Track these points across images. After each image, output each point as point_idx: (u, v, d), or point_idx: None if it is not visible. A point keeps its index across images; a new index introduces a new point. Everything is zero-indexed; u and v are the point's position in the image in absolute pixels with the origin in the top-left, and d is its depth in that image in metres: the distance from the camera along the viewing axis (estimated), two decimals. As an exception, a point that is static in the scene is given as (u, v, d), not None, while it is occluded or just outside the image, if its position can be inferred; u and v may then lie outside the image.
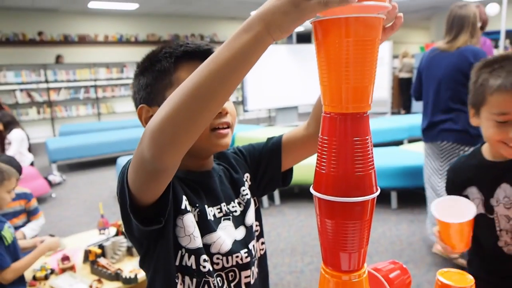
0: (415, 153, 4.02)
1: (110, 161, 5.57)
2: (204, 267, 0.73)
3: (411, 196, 3.92)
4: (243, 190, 0.85)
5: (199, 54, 0.73)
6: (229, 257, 0.76)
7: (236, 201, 0.83)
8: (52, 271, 1.95)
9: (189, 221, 0.72)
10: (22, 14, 8.19)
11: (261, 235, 0.88)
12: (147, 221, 0.65)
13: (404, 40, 13.54)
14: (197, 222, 0.74)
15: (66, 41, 8.74)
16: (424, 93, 2.71)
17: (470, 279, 0.76)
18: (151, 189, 0.63)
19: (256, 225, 0.87)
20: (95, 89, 8.86)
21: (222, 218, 0.78)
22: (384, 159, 3.81)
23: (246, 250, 0.79)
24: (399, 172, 3.62)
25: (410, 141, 5.25)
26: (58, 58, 8.47)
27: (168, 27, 9.79)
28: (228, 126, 0.76)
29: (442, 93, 2.51)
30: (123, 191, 0.64)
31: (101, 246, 2.05)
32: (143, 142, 0.56)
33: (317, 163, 0.59)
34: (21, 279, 1.81)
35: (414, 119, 6.32)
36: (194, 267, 0.72)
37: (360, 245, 0.59)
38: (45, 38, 8.51)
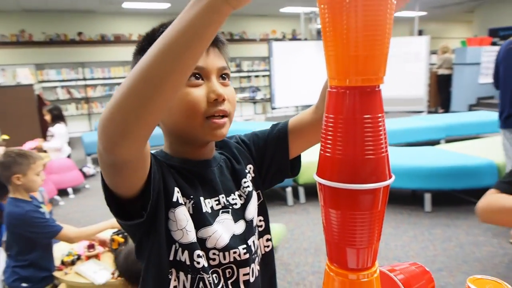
0: (452, 153, 3.80)
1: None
2: (198, 263, 0.67)
3: (447, 199, 3.70)
4: (244, 182, 0.78)
5: None
6: (226, 253, 0.70)
7: (236, 193, 0.76)
8: (79, 257, 2.03)
9: (181, 214, 0.66)
10: (63, 15, 8.53)
11: (266, 231, 0.81)
12: (128, 215, 0.61)
13: (443, 35, 12.93)
14: (192, 215, 0.68)
15: (103, 40, 9.01)
16: (502, 84, 2.83)
17: (505, 286, 0.66)
18: (119, 183, 0.58)
19: (260, 220, 0.80)
20: (129, 86, 9.10)
21: (220, 211, 0.72)
22: (418, 159, 3.63)
23: (244, 246, 0.72)
24: (434, 173, 3.42)
25: (448, 141, 4.98)
26: None
27: (200, 25, 9.88)
28: (225, 115, 0.69)
29: None
30: (103, 185, 0.60)
31: (124, 235, 2.07)
32: (98, 134, 0.51)
33: (321, 145, 0.52)
34: (51, 262, 1.92)
35: (452, 118, 6.02)
36: (188, 262, 0.67)
37: (370, 241, 0.51)
38: (83, 38, 8.82)
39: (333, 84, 0.50)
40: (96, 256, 2.04)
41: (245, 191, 0.77)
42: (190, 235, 0.67)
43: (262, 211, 0.81)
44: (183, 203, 0.67)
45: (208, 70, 0.67)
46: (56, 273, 1.89)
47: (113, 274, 1.85)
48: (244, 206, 0.76)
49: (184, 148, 0.72)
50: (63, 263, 1.96)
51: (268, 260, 0.80)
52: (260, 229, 0.80)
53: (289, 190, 3.76)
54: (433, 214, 3.42)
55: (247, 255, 0.72)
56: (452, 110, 8.57)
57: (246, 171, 0.80)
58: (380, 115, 0.49)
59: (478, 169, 3.40)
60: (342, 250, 0.52)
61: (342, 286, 0.53)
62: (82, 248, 2.08)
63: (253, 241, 0.75)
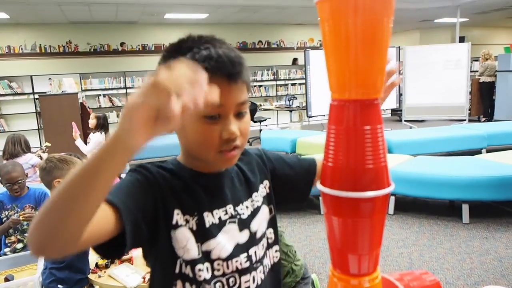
0: (493, 163, 3.64)
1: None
2: (200, 276, 0.71)
3: (486, 210, 3.55)
4: (255, 196, 0.81)
5: (222, 73, 0.65)
6: (229, 262, 0.73)
7: (245, 203, 0.79)
8: (113, 261, 2.07)
9: (181, 235, 0.70)
10: (107, 27, 9.00)
11: (275, 242, 0.84)
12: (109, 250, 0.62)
13: (486, 41, 12.37)
14: (196, 231, 0.71)
15: (144, 50, 9.40)
16: None
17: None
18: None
19: (270, 233, 0.83)
20: (167, 94, 9.41)
21: (228, 221, 0.75)
22: (456, 169, 3.50)
23: (246, 254, 0.76)
24: (473, 183, 3.29)
25: (489, 151, 4.76)
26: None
27: (236, 34, 10.06)
28: (237, 147, 0.70)
29: None
30: None
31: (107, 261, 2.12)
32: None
33: (324, 156, 0.55)
34: (86, 265, 1.98)
35: (495, 127, 5.75)
36: (191, 275, 0.71)
37: (371, 247, 0.53)
38: (126, 48, 9.24)
39: (334, 97, 0.53)
40: (129, 260, 2.08)
41: (253, 204, 0.80)
42: (191, 252, 0.70)
43: (273, 224, 0.84)
44: (183, 223, 0.70)
45: (227, 107, 0.67)
46: (90, 276, 1.95)
47: (143, 278, 1.91)
48: (251, 217, 0.79)
49: (197, 162, 0.75)
50: (97, 266, 2.01)
51: (276, 268, 0.83)
52: (270, 241, 0.83)
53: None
54: (471, 226, 3.29)
55: (248, 264, 0.75)
56: (495, 118, 8.17)
57: (261, 185, 0.83)
58: (379, 126, 0.52)
59: (519, 180, 3.23)
60: (344, 256, 0.55)
61: (345, 290, 0.55)
62: None
63: (255, 251, 0.78)
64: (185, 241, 0.70)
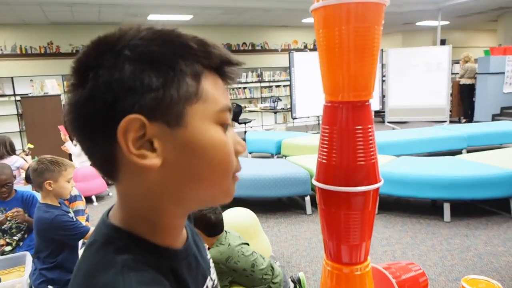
0: (473, 163, 3.76)
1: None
2: None
3: (466, 209, 3.66)
4: (213, 273, 0.63)
5: (226, 66, 0.50)
6: None
7: (212, 274, 0.62)
8: None
9: None
10: (90, 28, 8.89)
11: None
12: None
13: (466, 44, 12.74)
14: None
15: (128, 51, 9.35)
16: None
17: (498, 286, 0.70)
18: None
19: None
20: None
21: None
22: (438, 169, 3.60)
23: None
24: (454, 182, 3.40)
25: (470, 152, 4.92)
26: None
27: (220, 36, 10.08)
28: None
29: None
30: None
31: None
32: None
33: (318, 154, 0.59)
34: (75, 266, 1.96)
35: (474, 128, 5.92)
36: None
37: (362, 237, 0.57)
38: (109, 49, 9.17)
39: (328, 99, 0.57)
40: None
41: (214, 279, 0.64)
42: None
43: None
44: None
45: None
46: None
47: None
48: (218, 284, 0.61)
49: (167, 228, 0.51)
50: None
51: None
52: None
53: (307, 199, 3.79)
54: (452, 224, 3.39)
55: None
56: (475, 120, 8.41)
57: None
58: (370, 126, 0.56)
59: (498, 179, 3.36)
60: (337, 246, 0.58)
61: (338, 279, 0.59)
62: None
63: None
64: None
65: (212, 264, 0.61)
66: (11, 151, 3.45)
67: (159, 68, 0.44)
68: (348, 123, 0.52)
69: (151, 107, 0.44)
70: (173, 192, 0.47)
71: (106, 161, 0.46)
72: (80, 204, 2.63)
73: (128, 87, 0.44)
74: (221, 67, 0.50)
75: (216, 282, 0.61)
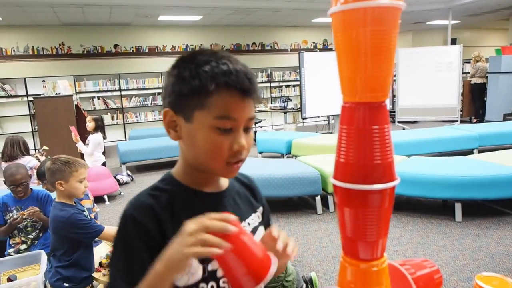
0: (484, 163, 3.74)
1: (173, 164, 5.84)
2: None
3: (478, 209, 3.64)
4: (254, 216, 0.84)
5: (239, 88, 0.68)
6: None
7: (246, 221, 0.81)
8: None
9: None
10: (100, 29, 9.00)
11: None
12: None
13: (477, 43, 12.60)
14: None
15: (138, 52, 9.42)
16: None
17: (511, 283, 0.71)
18: None
19: None
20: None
21: None
22: (449, 169, 3.59)
23: None
24: (465, 182, 3.38)
25: (481, 152, 4.88)
26: None
27: (230, 36, 10.13)
28: (242, 160, 0.74)
29: None
30: None
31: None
32: None
33: (336, 153, 0.61)
34: (91, 263, 2.02)
35: (486, 128, 5.87)
36: None
37: (378, 234, 0.59)
38: (119, 50, 9.25)
39: (346, 99, 0.58)
40: None
41: (253, 223, 0.83)
42: (196, 275, 0.71)
43: None
44: None
45: (239, 122, 0.69)
46: (95, 274, 2.00)
47: None
48: (252, 234, 0.80)
49: (197, 177, 0.76)
50: (101, 265, 2.06)
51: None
52: None
53: (318, 198, 3.80)
54: (464, 224, 3.37)
55: None
56: (486, 119, 8.33)
57: (258, 210, 0.87)
58: (386, 126, 0.58)
59: (510, 179, 3.33)
60: (354, 243, 0.60)
61: (355, 274, 0.61)
62: None
63: None
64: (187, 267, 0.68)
65: (252, 219, 0.82)
66: (25, 151, 3.51)
67: (183, 83, 0.69)
68: (365, 123, 0.54)
69: (177, 106, 0.71)
70: (190, 157, 0.74)
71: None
72: (87, 203, 2.67)
73: (168, 91, 0.72)
74: (238, 87, 0.67)
75: (249, 231, 0.78)
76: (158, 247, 0.66)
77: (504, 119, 7.99)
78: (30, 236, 2.45)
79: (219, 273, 0.73)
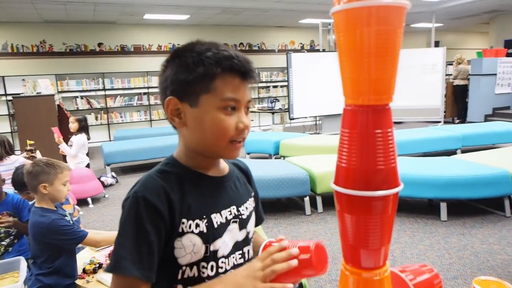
0: (469, 163, 3.80)
1: (158, 165, 5.76)
2: (203, 273, 0.76)
3: (462, 208, 3.70)
4: (250, 200, 0.89)
5: (241, 71, 0.74)
6: (229, 259, 0.79)
7: (245, 205, 0.86)
8: (100, 266, 2.03)
9: (188, 241, 0.74)
10: (84, 27, 8.82)
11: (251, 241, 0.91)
12: None
13: (459, 46, 12.86)
14: (206, 233, 0.75)
15: (123, 51, 9.27)
16: None
17: (508, 286, 0.71)
18: None
19: (251, 233, 0.90)
20: (147, 96, 9.29)
21: (232, 221, 0.81)
22: (434, 169, 3.63)
23: (240, 252, 0.82)
24: (450, 182, 3.42)
25: (464, 152, 4.96)
26: None
27: (217, 36, 10.05)
28: (244, 139, 0.79)
29: None
30: None
31: (95, 267, 2.06)
32: None
33: (338, 157, 0.58)
34: (74, 269, 1.94)
35: (469, 129, 5.98)
36: (196, 275, 0.76)
37: (381, 242, 0.57)
38: (104, 48, 9.09)
39: (348, 102, 0.56)
40: None
41: (250, 207, 0.88)
42: (199, 254, 0.75)
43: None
44: (189, 230, 0.74)
45: (241, 102, 0.76)
46: (78, 281, 1.91)
47: None
48: (248, 218, 0.86)
49: (202, 163, 0.80)
50: (84, 271, 1.98)
51: None
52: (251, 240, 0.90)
53: (307, 199, 3.80)
54: (449, 223, 3.42)
55: (242, 260, 0.82)
56: (468, 120, 8.49)
57: (253, 194, 0.92)
58: (389, 130, 0.56)
59: (493, 178, 3.39)
60: (356, 251, 0.58)
61: (357, 284, 0.59)
62: (103, 256, 2.10)
63: (248, 250, 0.85)
64: (191, 246, 0.74)
65: (249, 203, 0.87)
66: (10, 151, 3.38)
67: (188, 71, 0.73)
68: (368, 127, 0.52)
69: (182, 93, 0.75)
70: (194, 142, 0.77)
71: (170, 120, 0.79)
72: (68, 208, 2.58)
73: (171, 80, 0.75)
74: (239, 71, 0.74)
75: (246, 215, 0.84)
76: (165, 229, 0.70)
77: (485, 120, 8.16)
78: (3, 243, 2.32)
79: (220, 253, 0.77)
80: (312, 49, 11.07)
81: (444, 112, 8.33)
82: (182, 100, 0.75)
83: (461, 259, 2.78)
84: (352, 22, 0.52)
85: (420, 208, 3.83)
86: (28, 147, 3.90)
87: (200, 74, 0.72)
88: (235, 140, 0.76)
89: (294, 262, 0.65)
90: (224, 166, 0.86)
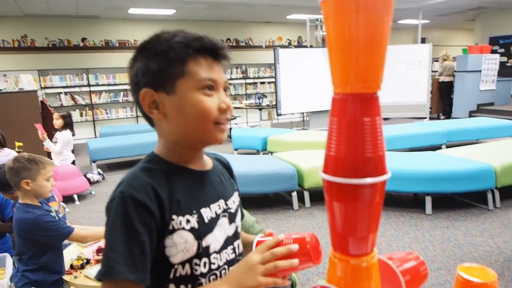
0: (453, 158, 3.87)
1: (145, 161, 5.71)
2: (196, 270, 0.74)
3: (446, 202, 3.77)
4: (236, 194, 0.87)
5: (213, 51, 0.73)
6: (221, 254, 0.78)
7: (231, 199, 0.84)
8: (88, 261, 2.03)
9: (179, 238, 0.71)
10: (67, 21, 8.65)
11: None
12: None
13: (445, 43, 13.05)
14: (197, 229, 0.73)
15: (107, 46, 9.13)
16: None
17: (492, 274, 0.72)
18: None
19: (239, 227, 0.88)
20: (133, 92, 9.19)
21: (221, 215, 0.79)
22: (419, 164, 3.69)
23: (232, 247, 0.81)
24: (435, 176, 3.48)
25: (449, 147, 5.05)
26: None
27: (203, 31, 9.61)
28: (227, 120, 0.76)
29: None
30: None
31: (83, 262, 2.04)
32: None
33: (326, 146, 0.59)
34: (61, 265, 1.92)
35: (453, 124, 6.08)
36: (188, 273, 0.73)
37: (369, 229, 0.58)
38: (87, 44, 8.93)
39: (337, 90, 0.56)
40: None
41: (236, 201, 0.86)
42: (190, 251, 0.72)
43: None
44: (180, 226, 0.71)
45: (219, 82, 0.74)
46: (66, 277, 1.89)
47: None
48: (236, 212, 0.84)
49: (184, 157, 0.77)
50: (72, 267, 1.96)
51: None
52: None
53: (294, 194, 3.82)
54: (433, 217, 3.48)
55: (233, 255, 0.81)
56: (453, 116, 8.63)
57: (236, 188, 0.90)
58: (377, 118, 0.56)
59: (476, 173, 3.46)
60: (344, 238, 0.59)
61: (345, 270, 0.59)
62: (91, 252, 2.09)
63: (238, 244, 0.83)
64: (183, 243, 0.71)
65: (235, 197, 0.85)
66: (4, 143, 3.29)
67: (158, 59, 0.71)
68: (357, 115, 0.52)
69: (155, 83, 0.71)
70: (176, 133, 0.74)
71: (145, 115, 0.76)
72: (54, 205, 2.54)
73: (142, 72, 0.72)
74: (211, 51, 0.73)
75: (234, 209, 0.83)
76: (156, 228, 0.68)
77: (470, 116, 8.32)
78: None
79: (212, 249, 0.75)
80: (300, 45, 11.08)
81: (430, 108, 8.45)
82: (157, 90, 0.72)
83: (445, 251, 2.83)
84: (341, 10, 0.53)
85: (405, 202, 3.89)
86: (17, 149, 3.81)
87: (171, 59, 0.70)
88: (219, 122, 0.73)
89: (296, 261, 0.65)
90: (207, 160, 0.84)
